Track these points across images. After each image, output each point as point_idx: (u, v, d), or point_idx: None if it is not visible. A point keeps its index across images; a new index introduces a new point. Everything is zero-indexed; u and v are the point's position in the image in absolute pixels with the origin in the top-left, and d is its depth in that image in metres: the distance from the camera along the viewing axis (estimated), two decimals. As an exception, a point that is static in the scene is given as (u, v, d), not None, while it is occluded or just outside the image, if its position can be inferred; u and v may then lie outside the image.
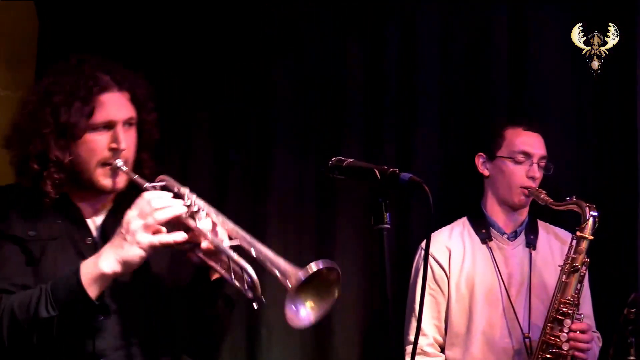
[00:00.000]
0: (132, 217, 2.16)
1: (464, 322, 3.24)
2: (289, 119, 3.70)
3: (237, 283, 2.14)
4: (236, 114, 3.72)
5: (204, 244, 2.19)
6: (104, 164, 2.31)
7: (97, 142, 2.30)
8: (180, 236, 2.17)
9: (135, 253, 2.14)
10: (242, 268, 2.10)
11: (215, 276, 2.28)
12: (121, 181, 2.34)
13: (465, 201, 3.50)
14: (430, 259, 3.27)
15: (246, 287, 2.12)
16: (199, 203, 2.21)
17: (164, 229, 2.16)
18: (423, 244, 3.29)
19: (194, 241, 2.20)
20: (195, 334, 2.38)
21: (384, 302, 2.02)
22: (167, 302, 2.37)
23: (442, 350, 3.27)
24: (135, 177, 2.32)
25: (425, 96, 3.72)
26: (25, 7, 3.74)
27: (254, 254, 2.11)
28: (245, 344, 3.66)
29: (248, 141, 3.70)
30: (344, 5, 3.74)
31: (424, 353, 3.24)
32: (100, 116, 2.30)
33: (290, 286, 1.98)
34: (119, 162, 2.31)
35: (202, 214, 2.19)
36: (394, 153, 3.70)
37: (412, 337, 3.18)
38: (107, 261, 2.14)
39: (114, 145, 2.30)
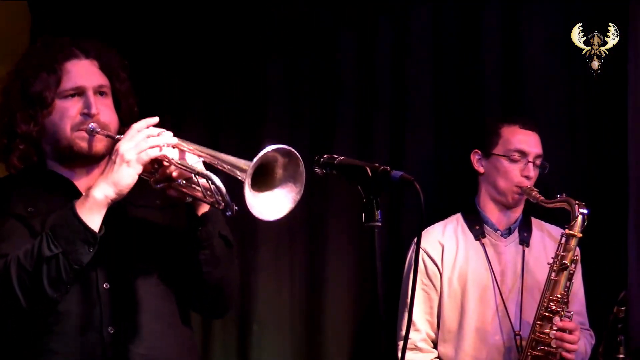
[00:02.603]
0: (122, 144, 2.21)
1: (456, 318, 3.25)
2: (281, 116, 3.70)
3: (209, 199, 2.18)
4: (229, 111, 3.74)
5: (175, 173, 2.23)
6: (79, 129, 2.34)
7: (68, 109, 2.34)
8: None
9: (124, 172, 2.19)
10: (207, 178, 2.14)
11: (201, 211, 2.31)
12: (99, 145, 2.35)
13: (457, 199, 3.50)
14: (423, 254, 3.27)
15: (219, 200, 2.15)
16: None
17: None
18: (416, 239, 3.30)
19: (168, 174, 2.23)
20: (200, 287, 2.37)
21: (375, 300, 2.03)
22: (171, 264, 2.38)
23: (435, 346, 3.29)
24: (110, 133, 2.34)
25: (417, 93, 3.72)
26: (18, 6, 3.74)
27: (216, 163, 2.18)
28: (236, 340, 3.67)
29: (241, 138, 3.71)
30: (336, 1, 3.74)
31: (417, 348, 3.24)
32: (67, 83, 2.35)
33: (245, 176, 2.02)
34: (92, 125, 2.33)
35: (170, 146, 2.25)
36: (387, 150, 3.71)
37: (404, 333, 3.18)
38: (98, 188, 2.20)
39: (85, 111, 2.34)
